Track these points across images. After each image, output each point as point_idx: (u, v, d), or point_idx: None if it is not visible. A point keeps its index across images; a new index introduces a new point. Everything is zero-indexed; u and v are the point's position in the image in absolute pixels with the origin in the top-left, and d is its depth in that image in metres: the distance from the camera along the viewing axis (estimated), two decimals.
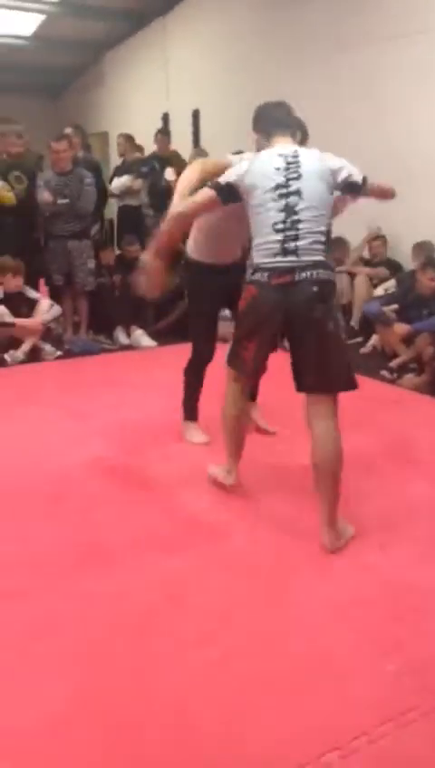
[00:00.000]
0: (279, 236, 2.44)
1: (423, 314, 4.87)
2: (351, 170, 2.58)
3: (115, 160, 8.16)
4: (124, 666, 1.90)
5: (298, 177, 2.47)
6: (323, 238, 2.47)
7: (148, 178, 6.99)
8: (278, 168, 2.49)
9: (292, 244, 2.43)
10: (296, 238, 2.43)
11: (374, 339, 5.40)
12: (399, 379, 4.67)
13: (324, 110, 6.67)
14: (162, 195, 6.30)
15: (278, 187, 2.46)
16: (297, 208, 2.44)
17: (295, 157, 2.51)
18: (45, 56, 10.06)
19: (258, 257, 2.51)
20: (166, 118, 8.99)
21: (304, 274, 2.41)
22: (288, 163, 2.50)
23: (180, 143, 8.54)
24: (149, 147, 7.39)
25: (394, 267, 5.93)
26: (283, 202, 2.45)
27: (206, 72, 8.22)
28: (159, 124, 8.90)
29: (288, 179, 2.47)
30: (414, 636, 2.02)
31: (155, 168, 6.97)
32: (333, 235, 6.36)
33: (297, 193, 2.45)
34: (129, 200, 7.04)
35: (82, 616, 2.12)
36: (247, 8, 7.36)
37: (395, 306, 5.08)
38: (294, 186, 2.46)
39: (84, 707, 1.76)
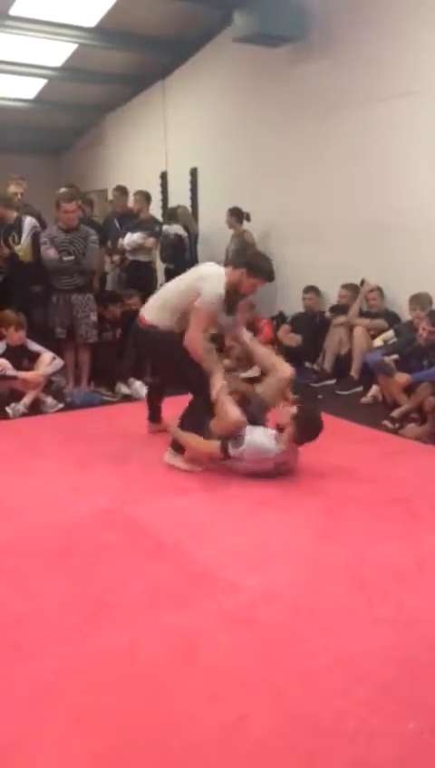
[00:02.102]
0: None
1: (423, 365, 4.92)
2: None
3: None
4: (136, 727, 1.85)
5: None
6: None
7: (159, 237, 7.23)
8: None
9: None
10: None
11: (375, 389, 5.43)
12: (401, 429, 4.68)
13: (319, 169, 6.89)
14: None
15: None
16: None
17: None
18: (47, 117, 10.35)
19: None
20: (164, 176, 9.23)
21: None
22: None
23: (178, 201, 8.77)
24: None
25: (392, 318, 6.01)
26: None
27: (203, 133, 8.48)
28: (158, 182, 9.14)
29: None
30: (433, 692, 1.97)
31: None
32: (346, 281, 6.09)
33: None
34: (140, 256, 7.19)
35: (93, 674, 2.07)
36: (243, 71, 7.65)
37: (395, 356, 5.13)
38: None
39: None
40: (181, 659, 2.14)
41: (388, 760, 1.73)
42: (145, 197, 7.42)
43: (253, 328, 6.02)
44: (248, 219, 7.36)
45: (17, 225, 5.85)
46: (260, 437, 3.65)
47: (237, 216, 7.38)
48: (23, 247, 5.69)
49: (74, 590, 2.55)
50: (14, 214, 5.89)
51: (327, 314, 6.52)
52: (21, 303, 5.58)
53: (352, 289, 6.42)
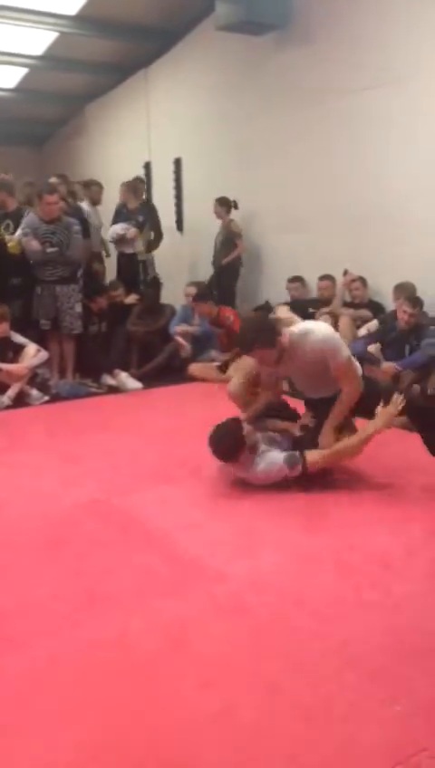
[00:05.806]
0: None
1: (405, 351, 4.96)
2: None
3: (101, 207, 8.26)
4: (127, 715, 1.86)
5: None
6: None
7: (143, 227, 7.14)
8: None
9: None
10: None
11: None
12: None
13: (302, 159, 6.88)
14: None
15: None
16: None
17: None
18: (29, 107, 10.25)
19: None
20: (148, 166, 9.17)
21: None
22: None
23: (162, 191, 8.73)
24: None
25: (376, 308, 6.03)
26: None
27: (187, 122, 8.43)
28: (142, 172, 9.08)
29: None
30: (422, 675, 2.00)
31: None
32: (331, 270, 6.00)
33: None
34: (124, 248, 7.14)
35: (83, 663, 2.08)
36: (227, 60, 7.61)
37: (377, 345, 5.16)
38: None
39: (89, 757, 1.72)
40: (172, 648, 2.15)
41: (376, 743, 1.75)
42: (129, 188, 7.37)
43: (217, 323, 6.01)
44: (236, 207, 7.32)
45: (15, 216, 5.79)
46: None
47: (226, 205, 7.32)
48: (14, 240, 5.63)
49: (64, 581, 2.55)
50: (15, 203, 5.85)
51: (311, 310, 6.51)
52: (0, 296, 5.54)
53: (332, 279, 6.42)
